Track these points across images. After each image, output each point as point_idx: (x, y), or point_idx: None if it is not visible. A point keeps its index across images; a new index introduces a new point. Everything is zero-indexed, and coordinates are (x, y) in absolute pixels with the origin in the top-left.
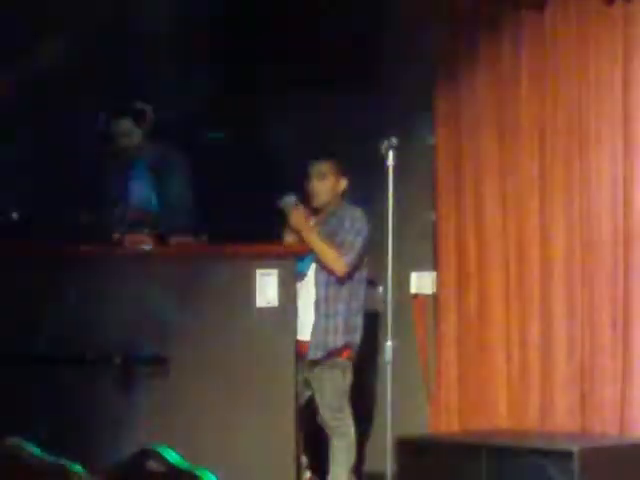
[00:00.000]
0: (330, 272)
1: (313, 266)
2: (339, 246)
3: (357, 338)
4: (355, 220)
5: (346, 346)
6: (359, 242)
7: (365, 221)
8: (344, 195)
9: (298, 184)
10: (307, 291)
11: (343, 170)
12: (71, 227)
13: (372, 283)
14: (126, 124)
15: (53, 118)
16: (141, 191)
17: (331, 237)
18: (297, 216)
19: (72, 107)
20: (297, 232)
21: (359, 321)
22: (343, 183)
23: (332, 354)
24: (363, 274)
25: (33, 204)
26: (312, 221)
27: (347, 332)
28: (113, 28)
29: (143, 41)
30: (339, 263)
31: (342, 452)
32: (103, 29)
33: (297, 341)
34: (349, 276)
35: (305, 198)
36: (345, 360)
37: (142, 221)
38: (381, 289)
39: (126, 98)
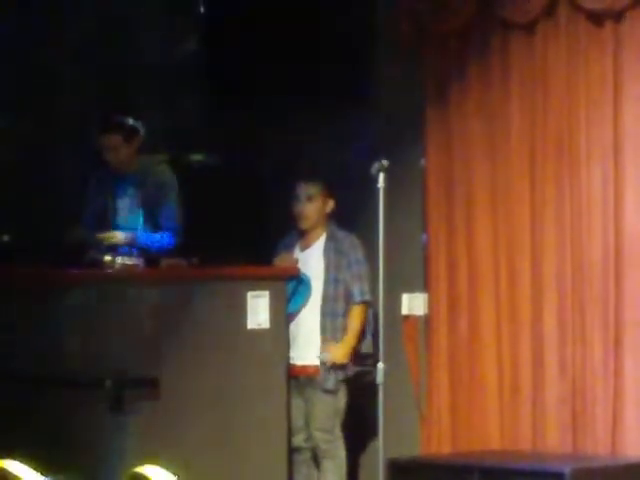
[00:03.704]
0: None
1: (312, 298)
2: (351, 279)
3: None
4: (356, 250)
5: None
6: (365, 270)
7: (362, 249)
8: (331, 216)
9: (288, 206)
10: (307, 318)
11: (330, 191)
12: (58, 249)
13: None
14: (115, 139)
15: (38, 134)
16: (129, 209)
17: (336, 264)
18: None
19: (59, 123)
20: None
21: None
22: (330, 204)
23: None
24: None
25: (19, 226)
26: (298, 249)
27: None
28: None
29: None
30: (364, 311)
31: (333, 474)
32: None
33: (293, 365)
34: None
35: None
36: (337, 379)
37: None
38: (370, 310)
39: (118, 113)
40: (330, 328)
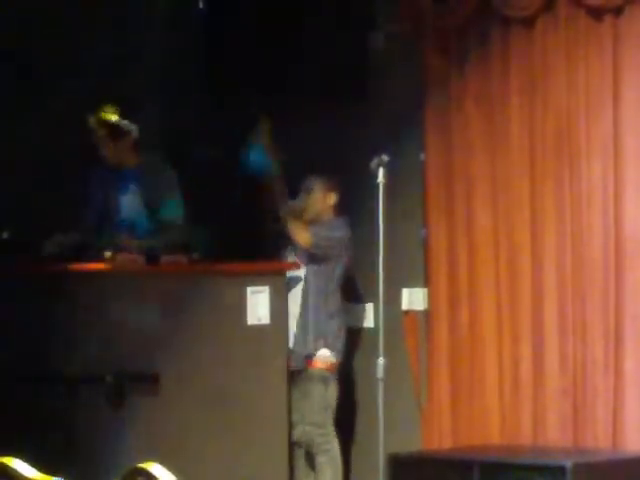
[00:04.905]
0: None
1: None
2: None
3: (337, 349)
4: (334, 223)
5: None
6: (332, 235)
7: (343, 226)
8: (335, 209)
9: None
10: (296, 312)
11: (331, 185)
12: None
13: (358, 299)
14: (101, 136)
15: (37, 132)
16: (132, 205)
17: None
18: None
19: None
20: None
21: (339, 333)
22: (332, 198)
23: (308, 364)
24: (335, 283)
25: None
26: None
27: (324, 341)
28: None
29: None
30: (304, 234)
31: (328, 468)
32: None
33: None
34: (323, 285)
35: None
36: (324, 372)
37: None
38: (369, 305)
39: (111, 111)
40: (318, 321)
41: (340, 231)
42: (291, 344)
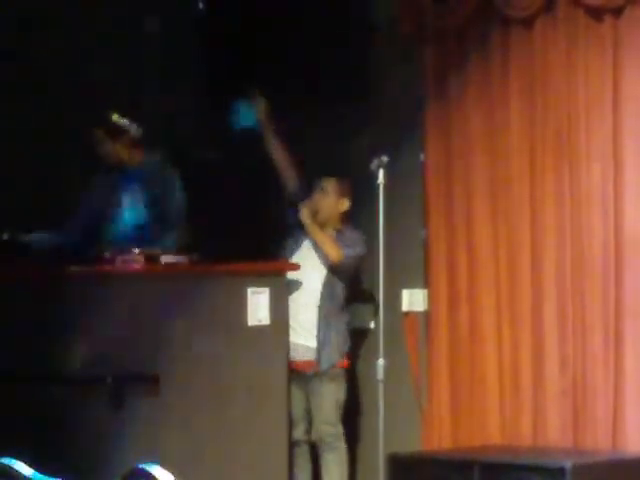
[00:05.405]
0: (330, 262)
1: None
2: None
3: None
4: (355, 238)
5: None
6: (354, 254)
7: (362, 241)
8: (345, 216)
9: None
10: (305, 313)
11: (345, 190)
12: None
13: (362, 300)
14: (99, 134)
15: (39, 132)
16: (133, 204)
17: None
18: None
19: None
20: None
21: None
22: (344, 204)
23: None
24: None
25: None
26: (306, 243)
27: (344, 345)
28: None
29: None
30: (336, 250)
31: (336, 466)
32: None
33: (294, 359)
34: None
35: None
36: (340, 370)
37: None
38: (370, 307)
39: (111, 110)
40: (324, 325)
41: (360, 247)
42: (313, 349)
